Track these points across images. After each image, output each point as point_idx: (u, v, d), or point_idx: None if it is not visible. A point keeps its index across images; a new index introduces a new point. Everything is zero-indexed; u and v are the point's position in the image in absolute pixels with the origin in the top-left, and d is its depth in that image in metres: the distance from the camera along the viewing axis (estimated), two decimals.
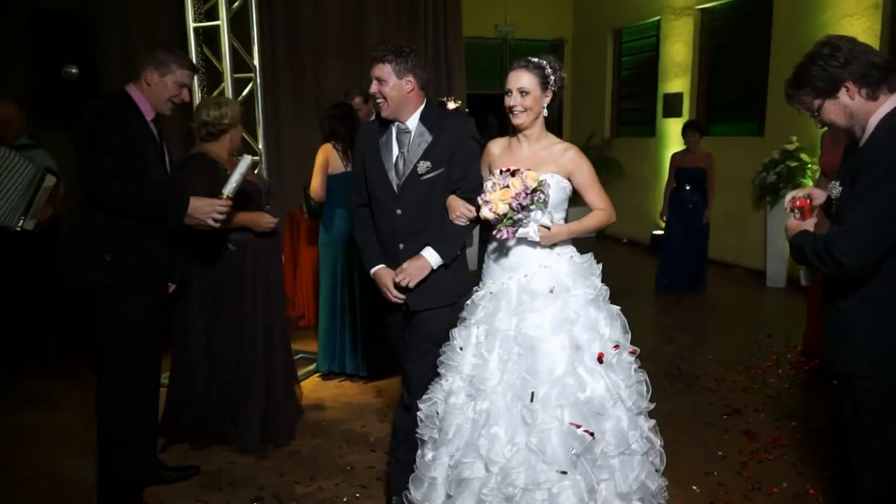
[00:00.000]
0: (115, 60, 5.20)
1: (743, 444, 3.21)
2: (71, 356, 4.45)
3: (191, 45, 4.01)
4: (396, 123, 2.44)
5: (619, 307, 2.38)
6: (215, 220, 2.56)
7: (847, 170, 1.95)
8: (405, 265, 2.40)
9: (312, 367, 4.23)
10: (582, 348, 2.21)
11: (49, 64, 4.52)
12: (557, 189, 2.31)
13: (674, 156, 6.15)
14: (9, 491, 2.94)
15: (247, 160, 2.64)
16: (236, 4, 4.01)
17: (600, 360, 2.21)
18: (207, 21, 4.02)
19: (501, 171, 2.21)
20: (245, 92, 4.21)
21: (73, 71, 4.56)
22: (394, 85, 2.35)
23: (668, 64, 8.10)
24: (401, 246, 2.44)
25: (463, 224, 2.36)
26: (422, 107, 2.44)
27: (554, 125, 10.11)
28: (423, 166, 2.39)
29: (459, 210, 2.35)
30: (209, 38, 4.10)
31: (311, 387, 4.03)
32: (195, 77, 3.93)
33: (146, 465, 2.80)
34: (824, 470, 2.90)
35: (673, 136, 7.68)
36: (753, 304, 5.93)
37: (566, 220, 2.40)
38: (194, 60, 4.00)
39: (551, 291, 2.25)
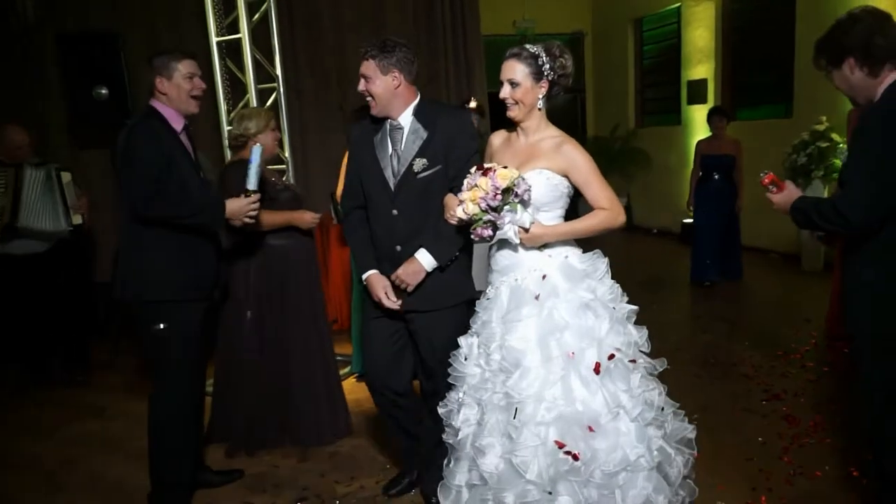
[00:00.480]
0: (144, 80, 5.32)
1: (783, 429, 3.17)
2: (119, 370, 4.61)
3: (214, 59, 4.11)
4: (389, 121, 2.36)
5: (634, 307, 2.22)
6: (251, 217, 2.62)
7: (853, 137, 1.99)
8: (399, 270, 2.34)
9: (347, 369, 4.29)
10: (576, 357, 2.05)
11: (79, 85, 4.64)
12: (547, 187, 2.14)
13: (699, 143, 5.99)
14: (64, 496, 3.05)
15: (256, 151, 2.64)
16: (256, 16, 4.09)
17: (596, 370, 2.03)
18: (229, 35, 4.11)
19: (474, 170, 2.08)
20: (269, 101, 4.29)
21: (104, 92, 4.68)
22: (379, 81, 2.28)
23: (690, 50, 8.00)
24: (398, 248, 2.37)
25: (455, 223, 2.16)
26: (414, 102, 2.36)
27: (577, 118, 10.21)
28: (419, 164, 2.30)
29: (452, 209, 2.15)
30: (232, 50, 4.19)
31: (348, 388, 4.07)
32: (222, 88, 4.08)
33: (194, 470, 2.88)
34: (867, 452, 2.85)
35: (699, 123, 7.58)
36: (790, 289, 5.82)
37: (566, 221, 2.24)
38: (218, 74, 4.11)
39: (536, 298, 2.11)
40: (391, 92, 2.30)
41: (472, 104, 5.48)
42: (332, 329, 5.20)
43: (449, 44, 6.38)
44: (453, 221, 2.15)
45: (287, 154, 4.37)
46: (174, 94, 2.58)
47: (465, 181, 2.07)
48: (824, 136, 5.91)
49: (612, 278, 2.23)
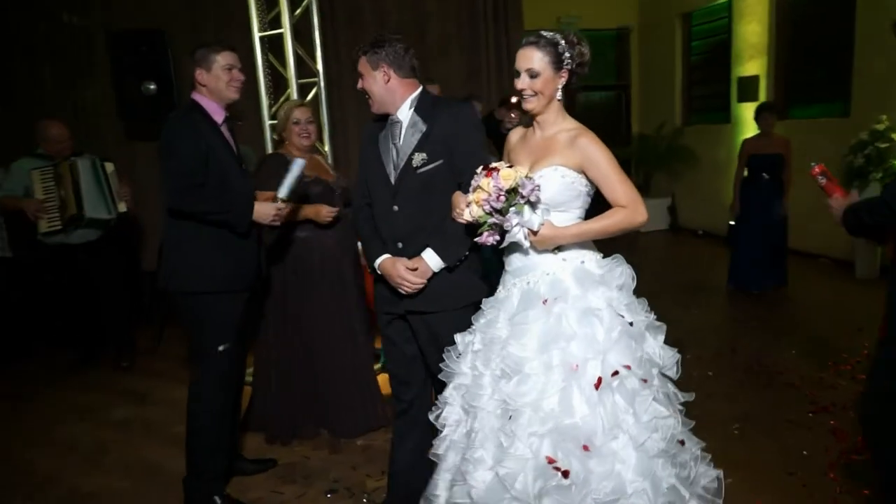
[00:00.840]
0: (190, 75, 5.45)
1: (830, 443, 3.03)
2: (162, 357, 4.74)
3: (257, 54, 4.16)
4: (390, 116, 2.33)
5: (657, 322, 2.04)
6: (275, 222, 2.66)
7: None
8: (402, 270, 2.26)
9: (380, 364, 4.29)
10: (578, 370, 1.90)
11: (128, 80, 4.77)
12: (563, 185, 2.01)
13: (746, 142, 5.66)
14: (100, 476, 3.15)
15: (297, 164, 2.68)
16: (298, 11, 4.12)
17: (597, 385, 1.87)
18: (272, 30, 4.15)
19: (479, 171, 1.95)
20: (310, 96, 4.32)
21: (152, 87, 4.80)
22: (370, 78, 2.27)
23: (741, 46, 7.75)
24: (400, 245, 2.30)
25: (463, 222, 2.04)
26: (413, 95, 2.30)
27: (622, 115, 10.01)
28: (418, 158, 2.24)
29: (459, 206, 2.04)
30: (274, 46, 4.23)
31: (381, 382, 4.08)
32: (264, 82, 4.13)
33: (229, 458, 2.92)
34: None
35: (749, 121, 7.32)
36: (841, 296, 5.57)
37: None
38: (260, 69, 4.15)
39: (544, 303, 1.98)
40: (383, 87, 2.27)
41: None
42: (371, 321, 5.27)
43: (490, 38, 6.32)
44: (461, 220, 2.04)
45: (327, 148, 4.40)
46: (214, 85, 2.62)
47: (472, 182, 1.96)
48: (884, 135, 5.62)
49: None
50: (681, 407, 2.03)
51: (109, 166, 4.36)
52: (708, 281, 5.86)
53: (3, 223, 4.50)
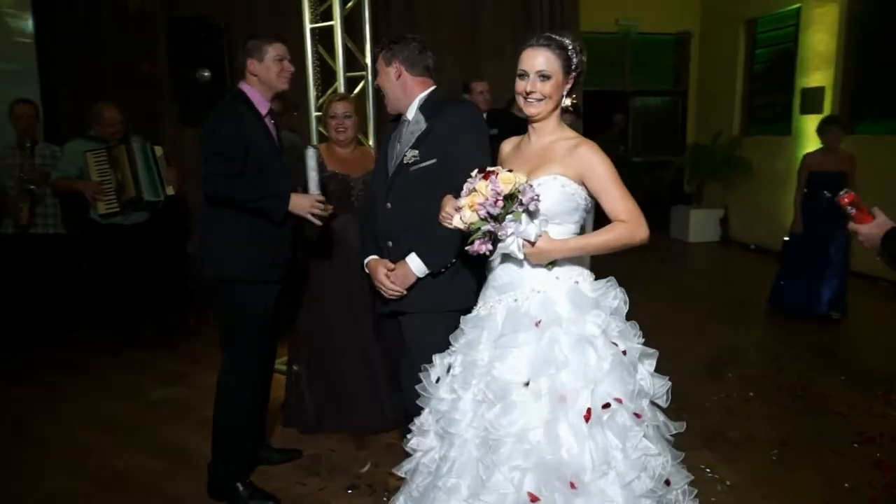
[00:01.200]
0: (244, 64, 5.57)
1: (875, 477, 2.87)
2: (203, 340, 4.84)
3: (307, 45, 4.19)
4: (402, 116, 2.33)
5: (650, 350, 1.92)
6: (315, 216, 2.62)
7: None
8: (380, 276, 2.26)
9: None
10: (568, 400, 1.77)
11: (184, 67, 4.89)
12: (562, 195, 1.89)
13: (806, 157, 5.30)
14: (130, 453, 3.23)
15: (310, 155, 2.63)
16: (350, 4, 4.13)
17: (587, 418, 1.75)
18: (323, 21, 4.18)
19: (475, 173, 1.82)
20: (357, 89, 4.33)
21: (206, 74, 4.90)
22: (383, 74, 2.29)
23: (808, 55, 7.44)
24: (389, 244, 2.30)
25: (449, 226, 1.90)
26: (422, 95, 2.29)
27: (678, 123, 9.76)
28: (410, 155, 2.22)
29: (446, 209, 1.91)
30: (326, 38, 4.26)
31: None
32: (312, 74, 4.16)
33: (256, 446, 2.95)
34: None
35: (811, 134, 7.02)
36: None
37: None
38: (310, 59, 4.19)
39: (537, 325, 1.85)
40: (394, 84, 2.28)
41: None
42: None
43: None
44: (447, 224, 1.89)
45: (371, 142, 4.40)
46: (264, 75, 2.64)
47: (465, 185, 1.82)
48: None
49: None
50: (670, 438, 1.93)
51: (158, 150, 4.49)
52: (757, 298, 5.64)
53: (58, 202, 4.66)
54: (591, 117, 6.88)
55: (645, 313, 2.25)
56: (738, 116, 8.91)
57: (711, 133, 8.86)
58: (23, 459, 3.20)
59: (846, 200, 1.89)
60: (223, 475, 2.76)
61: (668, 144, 9.72)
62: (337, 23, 4.02)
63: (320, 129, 4.15)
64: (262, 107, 2.68)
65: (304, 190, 2.66)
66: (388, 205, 2.29)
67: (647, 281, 6.09)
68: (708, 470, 2.93)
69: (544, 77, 1.91)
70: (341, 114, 3.28)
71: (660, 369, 1.94)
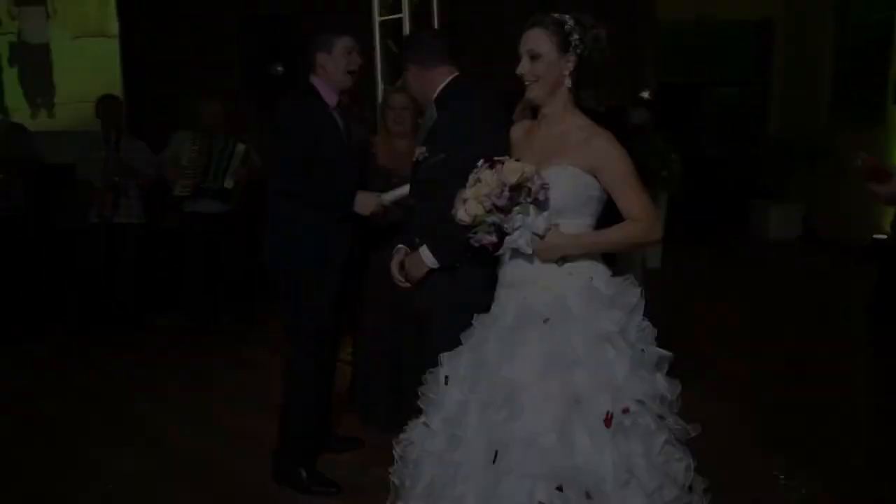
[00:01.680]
0: (313, 58, 5.67)
1: None
2: (275, 328, 4.94)
3: (376, 37, 4.24)
4: None
5: (667, 353, 1.79)
6: (376, 218, 2.67)
7: None
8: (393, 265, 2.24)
9: None
10: (583, 401, 1.66)
11: (258, 62, 5.02)
12: (574, 187, 1.77)
13: None
14: (193, 434, 3.36)
15: (404, 190, 2.60)
16: None
17: (607, 422, 1.63)
18: (392, 14, 4.20)
19: (481, 163, 1.72)
20: None
21: (279, 69, 5.03)
22: (406, 73, 2.29)
23: None
24: (417, 240, 2.23)
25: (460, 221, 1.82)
26: (439, 87, 2.23)
27: (758, 113, 9.32)
28: (418, 152, 2.19)
29: (456, 205, 1.82)
30: (394, 30, 4.28)
31: None
32: (380, 66, 4.20)
33: (321, 434, 2.99)
34: None
35: None
36: None
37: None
38: (378, 52, 4.23)
39: (545, 322, 1.73)
40: (415, 82, 2.28)
41: (644, 94, 5.16)
42: None
43: (624, 30, 6.06)
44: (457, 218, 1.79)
45: None
46: (332, 67, 2.65)
47: (470, 176, 1.73)
48: None
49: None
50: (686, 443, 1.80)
51: (240, 147, 4.62)
52: (843, 301, 5.29)
53: (140, 192, 4.87)
54: (670, 110, 6.64)
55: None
56: (824, 107, 8.41)
57: (795, 124, 8.42)
58: (100, 439, 3.36)
59: (868, 164, 1.72)
60: (288, 461, 2.81)
61: (745, 135, 9.31)
62: (405, 15, 4.03)
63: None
64: (332, 99, 2.70)
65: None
66: (412, 201, 2.32)
67: (728, 280, 5.87)
68: (782, 477, 2.78)
69: (534, 57, 1.80)
70: (399, 106, 3.26)
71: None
